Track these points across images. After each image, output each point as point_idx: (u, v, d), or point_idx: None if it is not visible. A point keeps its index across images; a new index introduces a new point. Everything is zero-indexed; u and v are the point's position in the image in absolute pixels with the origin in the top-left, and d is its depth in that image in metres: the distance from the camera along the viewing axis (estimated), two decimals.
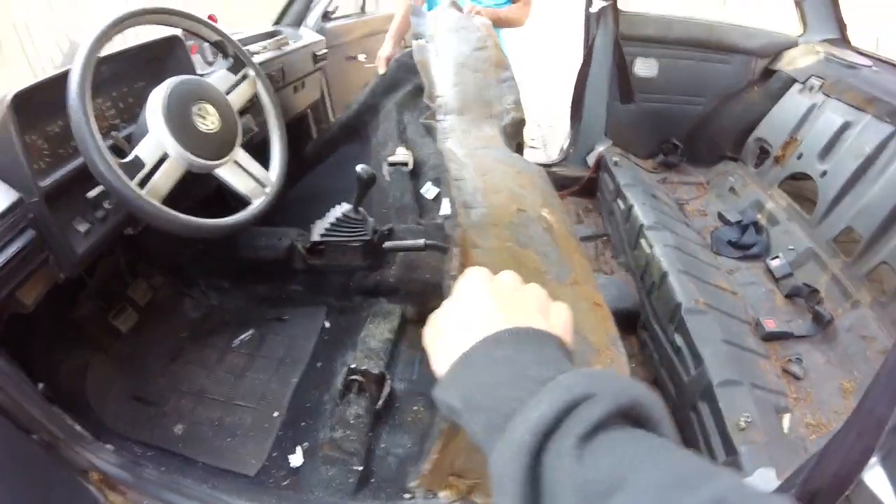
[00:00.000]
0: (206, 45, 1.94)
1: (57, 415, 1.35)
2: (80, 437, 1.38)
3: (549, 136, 4.27)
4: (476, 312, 0.48)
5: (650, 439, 0.36)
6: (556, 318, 0.49)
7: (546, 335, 0.45)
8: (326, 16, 3.03)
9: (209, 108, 1.49)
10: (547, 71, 5.56)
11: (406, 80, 2.42)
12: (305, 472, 1.54)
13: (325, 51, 2.83)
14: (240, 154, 1.59)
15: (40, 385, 1.38)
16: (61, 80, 1.35)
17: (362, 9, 3.59)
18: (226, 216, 1.62)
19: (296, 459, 1.55)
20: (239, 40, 2.20)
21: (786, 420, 1.59)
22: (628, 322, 2.21)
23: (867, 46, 2.81)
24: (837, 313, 1.92)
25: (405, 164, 2.23)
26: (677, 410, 1.74)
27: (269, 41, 2.39)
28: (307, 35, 2.78)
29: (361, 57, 3.31)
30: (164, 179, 1.38)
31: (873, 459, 0.81)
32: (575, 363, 0.48)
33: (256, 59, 2.14)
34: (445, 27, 2.09)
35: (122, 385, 1.76)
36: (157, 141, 1.38)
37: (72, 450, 1.36)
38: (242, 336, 1.97)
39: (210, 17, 2.16)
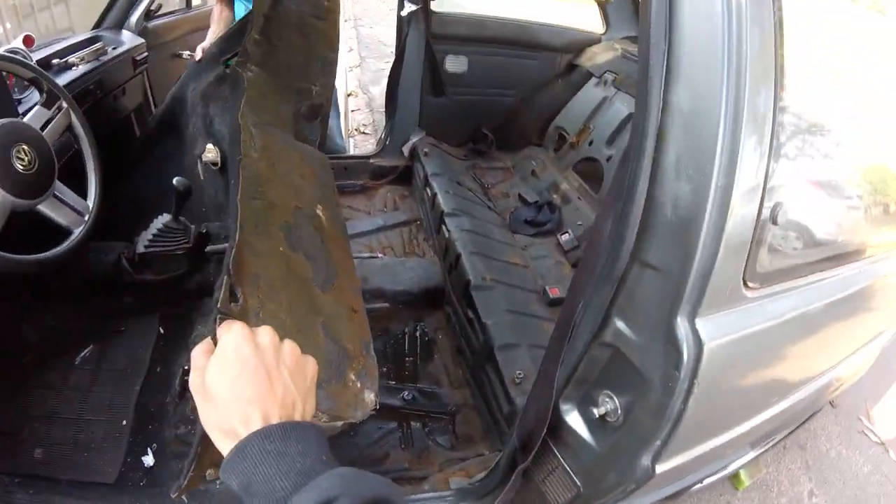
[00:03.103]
0: None
1: None
2: None
3: (381, 121, 4.48)
4: (245, 388, 0.57)
5: None
6: (308, 375, 0.63)
7: (306, 427, 0.56)
8: (149, 15, 3.05)
9: (27, 148, 1.60)
10: (387, 57, 5.77)
11: (210, 68, 2.51)
12: (158, 470, 1.74)
13: (146, 54, 2.89)
14: (58, 187, 1.73)
15: None
16: None
17: (188, 4, 3.63)
18: (36, 240, 1.72)
19: (148, 460, 1.75)
20: (58, 50, 2.29)
21: None
22: (435, 298, 2.48)
23: None
24: None
25: (214, 164, 2.33)
26: (474, 372, 2.08)
27: (87, 51, 2.44)
28: (129, 39, 2.82)
29: (186, 54, 3.34)
30: None
31: (569, 406, 1.18)
32: (331, 374, 0.68)
33: (74, 73, 2.24)
34: None
35: None
36: None
37: None
38: (83, 352, 2.09)
39: (26, 39, 2.22)
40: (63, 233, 1.77)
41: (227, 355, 0.59)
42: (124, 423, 1.88)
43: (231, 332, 0.60)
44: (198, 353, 0.61)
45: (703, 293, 0.88)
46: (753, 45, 0.79)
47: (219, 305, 0.95)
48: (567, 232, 2.64)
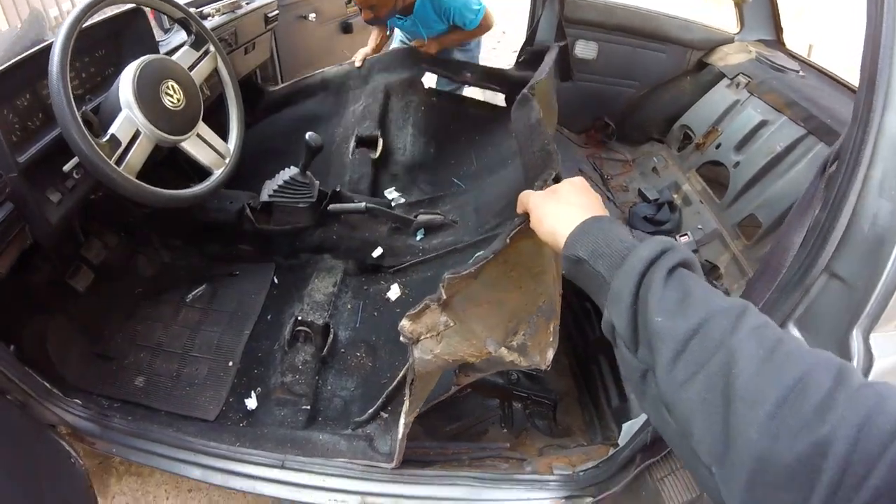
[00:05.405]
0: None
1: (29, 375, 1.51)
2: (50, 395, 1.57)
3: (492, 97, 4.45)
4: (584, 201, 0.83)
5: (699, 279, 0.62)
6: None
7: (617, 220, 0.78)
8: None
9: (175, 85, 1.68)
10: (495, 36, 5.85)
11: (407, 66, 2.65)
12: (260, 414, 1.80)
13: (277, 12, 2.95)
14: (202, 127, 1.80)
15: (12, 347, 1.50)
16: (33, 58, 1.51)
17: None
18: (174, 178, 1.84)
19: (251, 403, 1.82)
20: (194, 1, 2.35)
21: None
22: None
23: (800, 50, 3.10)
24: (733, 288, 2.26)
25: (374, 151, 2.48)
26: (582, 363, 2.06)
27: (223, 3, 2.52)
28: None
29: (312, 16, 3.45)
30: (138, 155, 1.58)
31: None
32: (546, 313, 1.09)
33: (210, 22, 2.30)
34: None
35: (82, 342, 1.93)
36: (129, 119, 1.55)
37: (42, 406, 1.53)
38: (195, 291, 2.18)
39: None
40: (201, 172, 1.85)
41: (576, 183, 0.88)
42: (230, 364, 1.95)
43: (573, 181, 0.89)
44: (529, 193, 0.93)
45: (881, 310, 0.88)
46: None
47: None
48: (686, 234, 2.55)
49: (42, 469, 1.45)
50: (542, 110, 1.50)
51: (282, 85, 2.86)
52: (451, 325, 1.19)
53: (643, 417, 1.47)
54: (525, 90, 1.54)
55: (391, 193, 2.43)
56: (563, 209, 0.82)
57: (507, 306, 1.24)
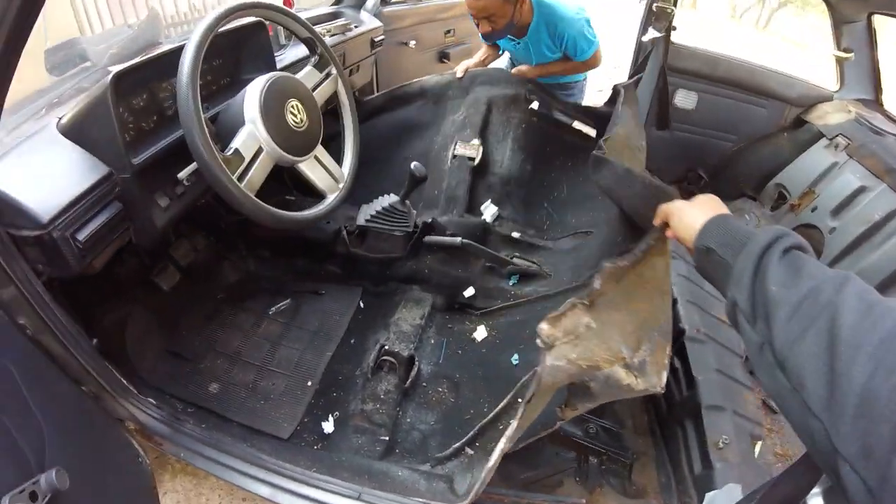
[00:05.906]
0: (281, 28, 2.15)
1: (107, 369, 1.50)
2: (125, 391, 1.55)
3: None
4: (717, 206, 1.02)
5: (810, 258, 0.74)
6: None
7: (736, 218, 0.95)
8: (385, 0, 3.24)
9: (299, 105, 1.68)
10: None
11: (511, 84, 2.62)
12: (336, 439, 1.76)
13: (383, 37, 3.04)
14: (319, 150, 1.81)
15: (94, 340, 1.48)
16: (153, 60, 1.54)
17: None
18: (278, 191, 1.83)
19: (328, 426, 1.79)
20: (305, 19, 2.44)
21: (758, 447, 1.84)
22: None
23: None
24: None
25: (472, 159, 2.42)
26: (666, 423, 1.99)
27: (333, 24, 2.61)
28: (368, 20, 2.98)
29: (412, 44, 3.52)
30: (259, 173, 1.57)
31: (816, 490, 1.11)
32: (665, 336, 1.25)
33: None
34: None
35: (159, 339, 1.93)
36: (253, 135, 1.55)
37: (116, 402, 1.52)
38: (279, 305, 2.17)
39: (286, 2, 2.38)
40: (304, 189, 1.87)
41: (711, 195, 1.06)
42: (309, 383, 1.92)
43: (706, 195, 1.07)
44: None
45: None
46: None
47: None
48: None
49: (109, 462, 1.44)
50: (622, 159, 1.53)
51: (377, 94, 2.85)
52: (592, 326, 1.20)
53: (732, 492, 1.40)
54: (594, 151, 1.53)
55: (488, 209, 2.38)
56: (701, 211, 0.99)
57: (639, 317, 1.28)
